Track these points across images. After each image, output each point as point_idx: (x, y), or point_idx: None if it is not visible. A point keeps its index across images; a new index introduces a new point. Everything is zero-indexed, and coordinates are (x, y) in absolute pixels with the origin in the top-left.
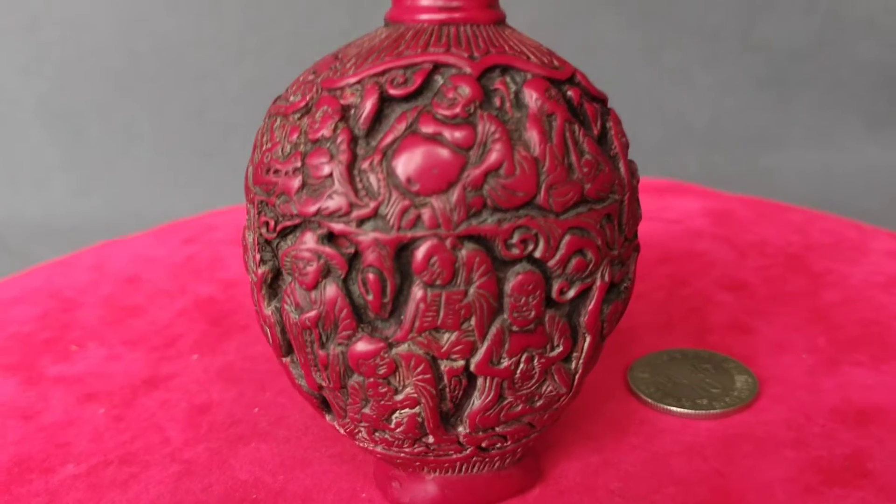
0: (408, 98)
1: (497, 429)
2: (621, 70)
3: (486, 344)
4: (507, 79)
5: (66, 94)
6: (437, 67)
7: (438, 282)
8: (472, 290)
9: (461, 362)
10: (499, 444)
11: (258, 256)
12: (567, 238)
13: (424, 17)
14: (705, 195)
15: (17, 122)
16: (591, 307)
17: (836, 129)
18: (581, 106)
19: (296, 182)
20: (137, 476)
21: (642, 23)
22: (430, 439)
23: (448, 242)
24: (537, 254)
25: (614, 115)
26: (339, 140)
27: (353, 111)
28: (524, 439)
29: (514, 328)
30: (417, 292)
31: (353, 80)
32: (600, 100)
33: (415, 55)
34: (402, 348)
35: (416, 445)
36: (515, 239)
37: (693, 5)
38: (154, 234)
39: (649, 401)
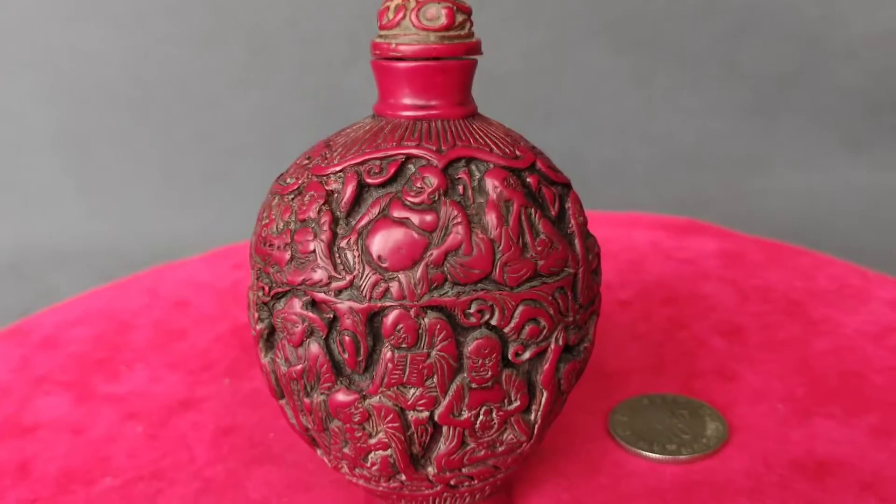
0: (383, 185)
1: (463, 470)
2: (612, 94)
3: (447, 399)
4: (471, 168)
5: (77, 120)
6: (408, 159)
7: (404, 345)
8: (434, 353)
9: (426, 413)
10: (466, 483)
11: (256, 315)
12: (520, 308)
13: (403, 113)
14: (722, 235)
15: (31, 150)
16: (546, 367)
17: (818, 151)
18: (539, 191)
19: (286, 255)
20: (164, 492)
21: (632, 50)
22: (403, 477)
23: (412, 312)
24: (493, 322)
25: (574, 197)
26: (322, 221)
27: (335, 196)
28: (491, 479)
29: (473, 385)
30: (386, 353)
31: (337, 168)
32: (561, 183)
33: (390, 148)
34: (374, 400)
35: (391, 481)
36: (473, 309)
37: (681, 33)
38: (206, 259)
39: (623, 443)
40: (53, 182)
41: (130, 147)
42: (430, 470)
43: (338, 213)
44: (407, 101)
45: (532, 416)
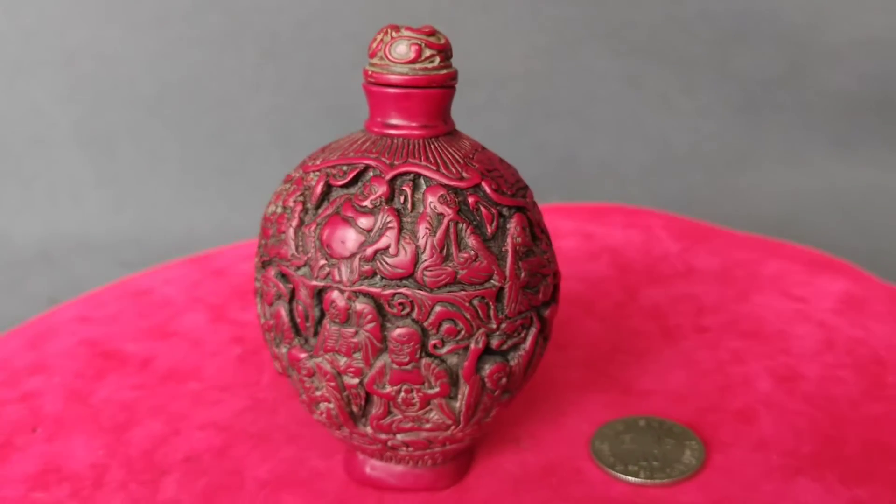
0: (345, 187)
1: (398, 436)
2: (608, 96)
3: (371, 372)
4: (417, 182)
5: (100, 119)
6: (367, 168)
7: (337, 321)
8: (361, 332)
9: (356, 380)
10: (403, 448)
11: (256, 276)
12: (437, 308)
13: (377, 130)
14: (852, 276)
15: (56, 145)
16: (466, 364)
17: (806, 151)
18: (477, 210)
19: (271, 231)
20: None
21: (628, 54)
22: (347, 431)
23: (346, 295)
24: (414, 316)
25: (521, 220)
26: (295, 209)
27: (309, 190)
28: (429, 450)
29: (394, 366)
30: (326, 324)
31: (317, 168)
32: (509, 206)
33: (355, 157)
34: (318, 360)
35: (340, 431)
36: (395, 302)
37: (674, 37)
38: None
39: (597, 460)
40: (78, 176)
41: (150, 143)
42: (368, 429)
43: (308, 204)
44: (380, 120)
45: (458, 404)
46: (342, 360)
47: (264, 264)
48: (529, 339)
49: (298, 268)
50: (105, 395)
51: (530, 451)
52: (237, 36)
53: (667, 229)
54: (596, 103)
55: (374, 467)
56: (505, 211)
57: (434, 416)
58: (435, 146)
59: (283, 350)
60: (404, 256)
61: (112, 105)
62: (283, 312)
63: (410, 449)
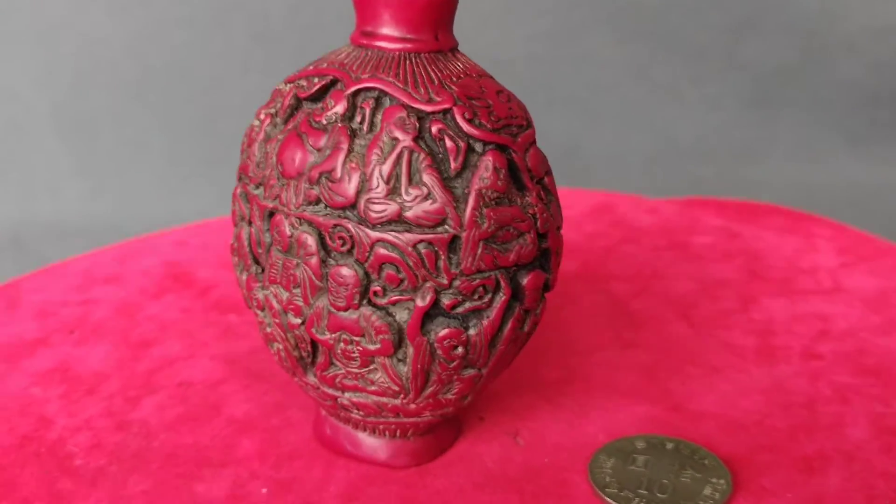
0: (309, 100)
1: (346, 395)
2: (613, 86)
3: (309, 312)
4: (380, 100)
5: (80, 102)
6: (334, 82)
7: (279, 248)
8: (301, 264)
9: (298, 320)
10: (355, 411)
11: None
12: (378, 249)
13: (359, 40)
14: None
15: (33, 129)
16: (409, 322)
17: (816, 144)
18: (441, 140)
19: (244, 146)
20: None
21: (633, 41)
22: (298, 378)
23: (289, 220)
24: (354, 254)
25: (496, 160)
26: (264, 122)
27: (279, 102)
28: (382, 419)
29: (332, 309)
30: (272, 252)
31: (292, 80)
32: (485, 141)
33: (325, 70)
34: (266, 292)
35: (295, 378)
36: (336, 234)
37: (682, 25)
38: None
39: (590, 475)
40: (55, 161)
41: (132, 129)
42: (314, 380)
43: (277, 118)
44: (360, 28)
45: (406, 369)
46: (284, 295)
47: (237, 182)
48: (496, 307)
49: (257, 186)
50: (152, 313)
51: (523, 449)
52: (226, 17)
53: (831, 241)
54: (600, 91)
55: (332, 428)
56: (478, 146)
57: (379, 377)
58: (415, 62)
59: (244, 277)
60: (347, 183)
61: (92, 88)
62: (244, 235)
63: (361, 413)
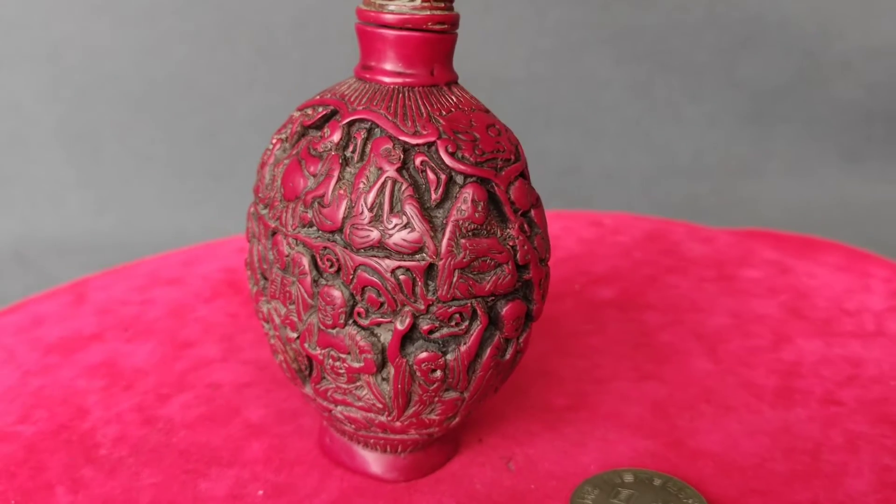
0: (312, 127)
1: (338, 408)
2: (612, 103)
3: (303, 328)
4: (372, 131)
5: (84, 117)
6: (334, 112)
7: (279, 266)
8: (296, 282)
9: (294, 334)
10: (347, 424)
11: None
12: (359, 272)
13: (361, 74)
14: None
15: (36, 143)
16: (390, 343)
17: (813, 162)
18: (424, 172)
19: (259, 167)
20: None
21: (633, 61)
22: (298, 388)
23: (287, 240)
24: (341, 276)
25: (475, 192)
26: (275, 146)
27: (289, 128)
28: (372, 434)
29: (321, 327)
30: (273, 269)
31: (304, 107)
32: (467, 175)
33: (328, 100)
34: (269, 306)
35: (297, 386)
36: (325, 256)
37: (680, 44)
38: None
39: None
40: (58, 175)
41: (136, 142)
42: (310, 391)
43: (286, 142)
44: (364, 63)
45: (388, 388)
46: (283, 310)
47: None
48: (472, 334)
49: (265, 206)
50: (202, 314)
51: (513, 475)
52: (230, 31)
53: (887, 282)
54: (599, 110)
55: (332, 439)
56: (459, 178)
57: (365, 394)
58: (408, 96)
59: (254, 291)
60: (335, 208)
61: (97, 101)
62: (255, 252)
63: (353, 426)
